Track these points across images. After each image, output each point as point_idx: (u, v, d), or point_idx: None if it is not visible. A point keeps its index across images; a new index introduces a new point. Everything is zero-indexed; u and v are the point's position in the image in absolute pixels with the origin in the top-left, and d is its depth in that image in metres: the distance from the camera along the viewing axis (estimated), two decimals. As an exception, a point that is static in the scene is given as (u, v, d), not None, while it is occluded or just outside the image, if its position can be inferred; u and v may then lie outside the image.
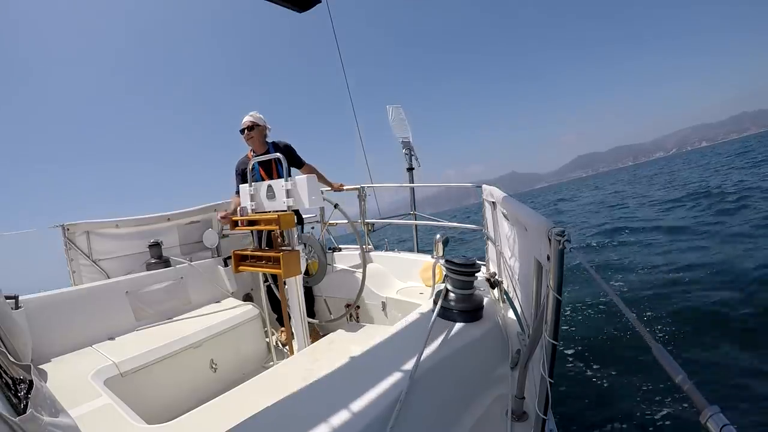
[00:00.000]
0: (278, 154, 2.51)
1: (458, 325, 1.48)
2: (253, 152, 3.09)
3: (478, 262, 1.59)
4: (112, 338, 2.48)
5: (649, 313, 4.92)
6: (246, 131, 3.02)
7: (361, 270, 2.80)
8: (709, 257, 6.32)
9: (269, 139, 3.12)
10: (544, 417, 0.89)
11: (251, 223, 2.51)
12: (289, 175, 3.05)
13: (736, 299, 4.69)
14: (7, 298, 2.10)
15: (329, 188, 3.36)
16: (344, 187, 3.47)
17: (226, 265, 3.33)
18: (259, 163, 3.05)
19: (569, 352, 4.31)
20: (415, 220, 4.34)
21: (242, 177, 3.05)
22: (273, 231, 2.44)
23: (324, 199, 2.67)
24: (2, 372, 0.97)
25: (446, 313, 1.52)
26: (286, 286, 2.45)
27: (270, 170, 3.05)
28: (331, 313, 3.27)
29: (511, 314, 1.89)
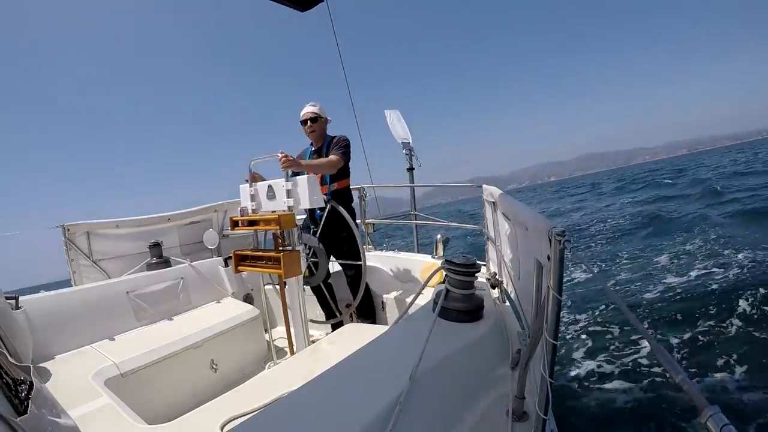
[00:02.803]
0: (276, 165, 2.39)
1: (458, 325, 1.48)
2: (312, 146, 2.95)
3: (478, 262, 1.58)
4: (112, 338, 2.47)
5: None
6: (309, 122, 2.83)
7: (361, 270, 2.79)
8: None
9: (329, 132, 2.96)
10: (545, 417, 0.89)
11: (251, 223, 2.51)
12: (333, 180, 2.92)
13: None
14: (7, 298, 2.10)
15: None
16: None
17: (226, 265, 3.33)
18: (312, 156, 2.92)
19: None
20: (415, 220, 4.34)
21: None
22: (274, 231, 2.44)
23: (324, 200, 2.66)
24: (3, 373, 0.98)
25: (446, 313, 1.51)
26: (287, 287, 2.45)
27: None
28: (339, 313, 3.26)
29: (511, 314, 1.89)
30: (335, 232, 2.84)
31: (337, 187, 2.90)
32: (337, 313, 3.07)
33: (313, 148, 2.96)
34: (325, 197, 2.62)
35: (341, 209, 2.62)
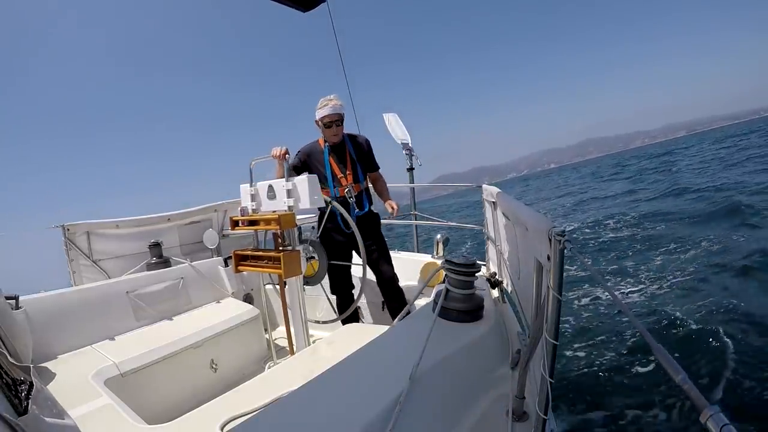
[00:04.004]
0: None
1: (458, 325, 1.48)
2: (326, 143, 2.80)
3: (478, 262, 1.58)
4: (112, 338, 2.48)
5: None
6: (334, 125, 2.66)
7: (361, 269, 2.79)
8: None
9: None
10: (545, 417, 0.89)
11: (252, 223, 2.51)
12: (365, 177, 2.91)
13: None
14: (7, 298, 2.10)
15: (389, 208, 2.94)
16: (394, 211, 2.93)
17: (226, 265, 3.34)
18: (332, 153, 2.78)
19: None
20: (416, 220, 4.35)
21: (300, 165, 2.81)
22: (274, 231, 2.44)
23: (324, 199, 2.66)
24: (3, 373, 0.98)
25: (446, 313, 1.52)
26: (287, 287, 2.45)
27: (344, 164, 2.78)
28: (336, 313, 3.27)
29: (511, 314, 1.89)
30: (368, 234, 2.79)
31: (366, 185, 2.90)
32: (335, 314, 3.07)
33: (329, 144, 2.81)
34: (345, 197, 2.70)
35: (341, 209, 2.62)
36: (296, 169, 2.80)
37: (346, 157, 2.79)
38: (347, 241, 2.85)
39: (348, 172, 2.78)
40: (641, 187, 17.56)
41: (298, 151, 2.89)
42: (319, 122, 2.72)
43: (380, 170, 3.04)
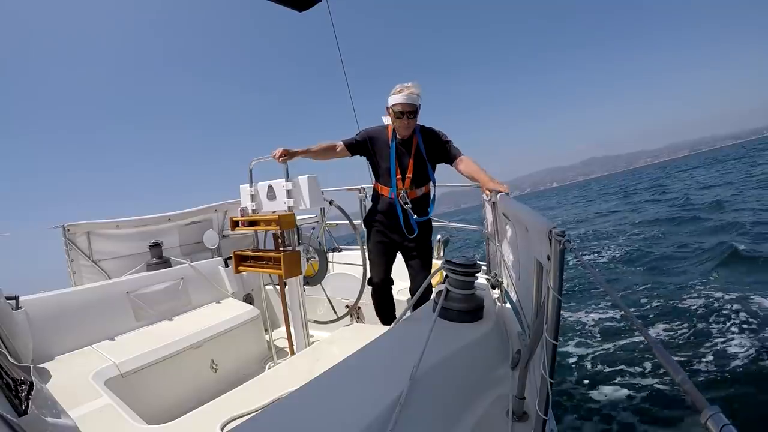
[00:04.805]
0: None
1: (458, 325, 1.48)
2: (395, 134, 2.47)
3: (478, 262, 1.58)
4: (112, 338, 2.48)
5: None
6: (406, 117, 2.33)
7: (361, 270, 2.79)
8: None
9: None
10: (545, 417, 0.89)
11: (252, 223, 2.51)
12: (431, 179, 2.57)
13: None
14: (8, 298, 2.10)
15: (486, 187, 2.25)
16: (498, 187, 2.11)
17: (226, 265, 3.34)
18: (398, 148, 2.46)
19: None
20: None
21: (360, 144, 2.52)
22: (274, 231, 2.44)
23: (324, 199, 2.66)
24: (3, 373, 0.98)
25: (446, 313, 1.51)
26: (287, 287, 2.45)
27: (407, 164, 2.44)
28: (336, 313, 3.27)
29: (511, 314, 1.89)
30: (419, 243, 2.54)
31: (425, 191, 2.56)
32: (335, 314, 3.07)
33: (399, 137, 2.47)
34: (400, 195, 2.42)
35: (342, 209, 2.62)
36: (351, 147, 2.51)
37: (411, 154, 2.46)
38: (403, 244, 2.56)
39: (408, 175, 2.45)
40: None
41: (362, 130, 2.58)
42: (390, 110, 2.39)
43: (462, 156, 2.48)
